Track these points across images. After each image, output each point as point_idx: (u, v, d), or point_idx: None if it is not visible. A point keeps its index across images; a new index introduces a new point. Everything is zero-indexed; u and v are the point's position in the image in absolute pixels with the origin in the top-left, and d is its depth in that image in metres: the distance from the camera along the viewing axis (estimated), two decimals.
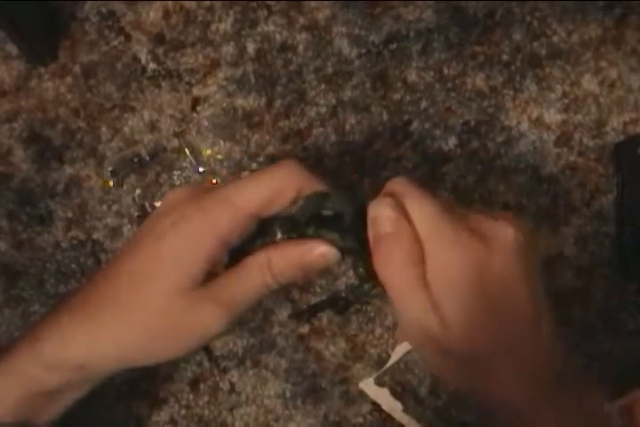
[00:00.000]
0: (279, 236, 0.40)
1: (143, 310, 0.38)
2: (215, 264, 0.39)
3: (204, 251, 0.38)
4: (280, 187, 0.39)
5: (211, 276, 0.39)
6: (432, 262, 0.39)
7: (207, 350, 0.58)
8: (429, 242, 0.39)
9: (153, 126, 0.61)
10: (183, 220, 0.38)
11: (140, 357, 0.39)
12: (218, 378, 0.58)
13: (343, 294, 0.44)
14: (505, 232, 0.39)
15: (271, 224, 0.40)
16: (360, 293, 0.43)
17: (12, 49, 0.62)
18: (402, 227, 0.39)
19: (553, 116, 0.60)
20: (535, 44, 0.61)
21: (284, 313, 0.58)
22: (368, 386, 0.56)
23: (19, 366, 0.39)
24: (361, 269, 0.42)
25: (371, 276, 0.41)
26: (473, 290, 0.38)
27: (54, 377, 0.39)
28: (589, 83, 0.60)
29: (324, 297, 0.47)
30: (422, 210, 0.39)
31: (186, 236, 0.38)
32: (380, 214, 0.40)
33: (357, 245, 0.40)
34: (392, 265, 0.39)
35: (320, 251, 0.39)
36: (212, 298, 0.38)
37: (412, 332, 0.40)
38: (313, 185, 0.39)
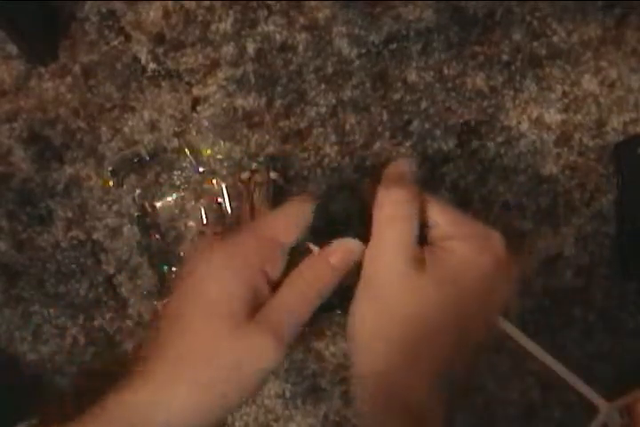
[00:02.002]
0: (312, 246, 0.42)
1: (200, 363, 0.37)
2: (258, 296, 0.39)
3: (245, 281, 0.38)
4: (294, 212, 0.41)
5: (257, 308, 0.39)
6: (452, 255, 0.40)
7: None
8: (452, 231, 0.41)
9: (153, 126, 0.61)
10: (225, 254, 0.39)
11: (214, 412, 0.38)
12: None
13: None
14: (499, 246, 0.41)
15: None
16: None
17: (12, 49, 0.62)
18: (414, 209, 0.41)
19: (553, 116, 0.60)
20: (535, 44, 0.61)
21: None
22: None
23: (115, 419, 0.37)
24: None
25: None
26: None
27: None
28: (589, 83, 0.60)
29: None
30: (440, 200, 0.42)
31: (228, 270, 0.39)
32: (396, 196, 0.41)
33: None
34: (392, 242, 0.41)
35: (344, 246, 0.41)
36: (258, 329, 0.37)
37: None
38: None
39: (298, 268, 0.40)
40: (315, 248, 0.43)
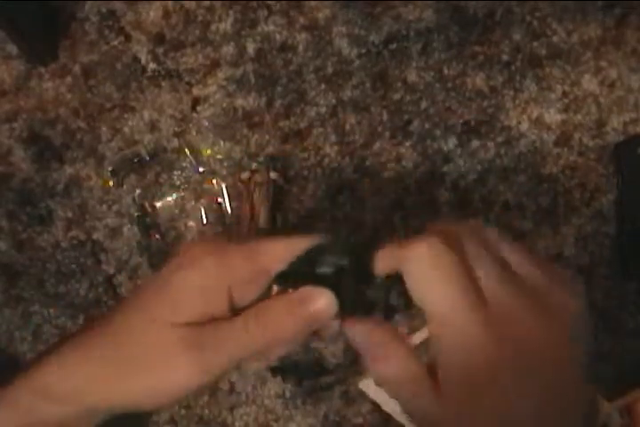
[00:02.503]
0: (275, 289, 0.37)
1: (135, 343, 0.37)
2: (214, 313, 0.36)
3: (202, 294, 0.36)
4: (296, 245, 0.36)
5: (201, 329, 0.36)
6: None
7: None
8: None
9: (153, 126, 0.61)
10: (196, 262, 0.37)
11: (127, 394, 0.37)
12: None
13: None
14: (566, 309, 0.33)
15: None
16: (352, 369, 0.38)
17: (12, 49, 0.62)
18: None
19: (553, 116, 0.60)
20: (535, 44, 0.61)
21: None
22: (368, 386, 0.56)
23: (18, 397, 0.38)
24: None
25: None
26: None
27: (53, 410, 0.37)
28: (589, 83, 0.60)
29: (304, 357, 0.42)
30: (489, 265, 0.33)
31: (192, 278, 0.36)
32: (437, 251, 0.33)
33: (359, 311, 0.35)
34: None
35: (314, 299, 0.35)
36: (195, 341, 0.36)
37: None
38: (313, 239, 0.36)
39: (258, 306, 0.36)
40: (275, 290, 0.37)
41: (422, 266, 0.33)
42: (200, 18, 0.62)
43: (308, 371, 0.39)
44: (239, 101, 0.61)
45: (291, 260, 0.35)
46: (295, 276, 0.36)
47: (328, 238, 0.36)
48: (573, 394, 0.33)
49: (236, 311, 0.37)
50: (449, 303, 0.33)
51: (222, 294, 0.36)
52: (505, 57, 0.61)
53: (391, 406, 0.56)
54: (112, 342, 0.37)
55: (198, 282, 0.36)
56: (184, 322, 0.36)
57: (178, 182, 0.60)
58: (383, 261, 0.35)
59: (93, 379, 0.38)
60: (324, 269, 0.35)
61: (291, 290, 0.36)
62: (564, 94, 0.60)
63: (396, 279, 0.34)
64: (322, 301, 0.35)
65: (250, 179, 0.58)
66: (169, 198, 0.60)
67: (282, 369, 0.39)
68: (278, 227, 0.59)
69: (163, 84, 0.61)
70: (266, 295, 0.37)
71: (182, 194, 0.60)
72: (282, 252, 0.36)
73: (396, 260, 0.34)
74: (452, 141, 0.60)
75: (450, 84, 0.61)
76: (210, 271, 0.36)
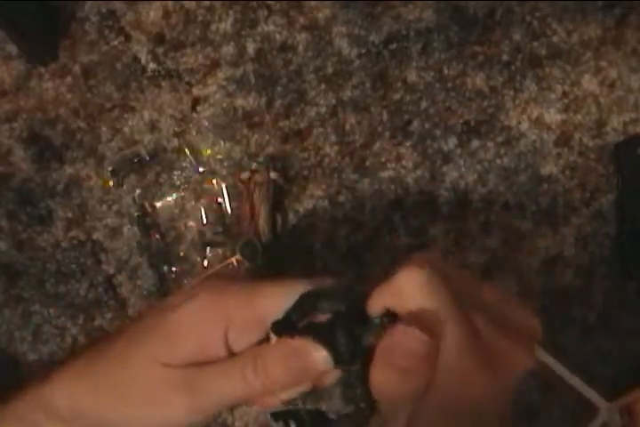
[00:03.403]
0: (273, 338, 0.37)
1: (124, 370, 0.38)
2: (210, 355, 0.37)
3: (199, 338, 0.37)
4: (295, 290, 0.36)
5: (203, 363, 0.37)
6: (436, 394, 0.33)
7: None
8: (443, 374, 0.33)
9: (153, 126, 0.61)
10: (198, 302, 0.37)
11: (112, 408, 0.38)
12: None
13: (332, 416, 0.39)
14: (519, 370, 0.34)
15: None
16: (359, 419, 0.38)
17: (12, 49, 0.62)
18: (433, 350, 0.33)
19: (553, 116, 0.60)
20: (535, 44, 0.61)
21: None
22: None
23: (24, 412, 0.39)
24: (359, 391, 0.36)
25: (369, 397, 0.35)
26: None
27: (51, 425, 0.39)
28: (589, 83, 0.60)
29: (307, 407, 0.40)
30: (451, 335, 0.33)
31: (190, 319, 0.37)
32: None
33: (356, 359, 0.35)
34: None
35: (309, 353, 0.35)
36: (185, 384, 0.36)
37: None
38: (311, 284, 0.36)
39: (254, 351, 0.37)
40: (274, 339, 0.37)
41: (417, 284, 0.34)
42: (200, 18, 0.62)
43: (309, 419, 0.39)
44: (239, 101, 0.61)
45: (287, 307, 0.35)
46: (291, 324, 0.36)
47: (325, 283, 0.36)
48: None
49: (232, 353, 0.37)
50: (450, 314, 0.33)
51: (219, 338, 0.37)
52: (505, 57, 0.61)
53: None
54: (111, 371, 0.38)
55: (195, 324, 0.37)
56: (180, 364, 0.37)
57: (178, 182, 0.60)
58: (376, 300, 0.35)
59: (93, 403, 0.38)
60: (320, 317, 0.35)
61: (289, 338, 0.36)
62: (564, 94, 0.60)
63: (392, 318, 0.35)
64: (317, 355, 0.35)
65: (250, 179, 0.58)
66: (169, 198, 0.60)
67: (283, 415, 0.39)
68: (279, 235, 0.59)
69: (163, 84, 0.61)
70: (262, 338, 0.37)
71: (182, 194, 0.60)
72: (281, 299, 0.36)
73: (388, 293, 0.35)
74: (452, 141, 0.60)
75: (450, 84, 0.61)
76: (207, 315, 0.37)
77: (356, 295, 0.36)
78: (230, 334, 0.37)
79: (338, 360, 0.35)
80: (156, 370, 0.37)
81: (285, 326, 0.36)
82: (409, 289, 0.34)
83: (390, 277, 0.34)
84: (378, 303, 0.35)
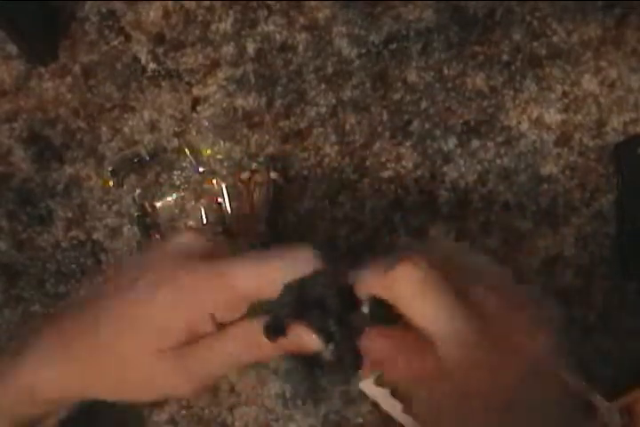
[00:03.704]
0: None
1: (118, 362, 0.38)
2: (200, 334, 0.37)
3: (187, 322, 0.37)
4: (282, 269, 0.35)
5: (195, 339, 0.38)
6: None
7: None
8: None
9: (153, 126, 0.61)
10: (175, 285, 0.37)
11: (106, 395, 0.39)
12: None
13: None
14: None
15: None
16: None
17: (12, 49, 0.62)
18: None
19: (553, 116, 0.60)
20: (535, 44, 0.61)
21: None
22: (368, 386, 0.56)
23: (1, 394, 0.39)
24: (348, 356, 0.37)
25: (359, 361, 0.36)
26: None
27: (34, 411, 0.40)
28: (589, 83, 0.60)
29: None
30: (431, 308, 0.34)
31: (173, 304, 0.37)
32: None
33: (343, 332, 0.36)
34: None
35: (301, 337, 0.36)
36: (182, 365, 0.37)
37: None
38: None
39: (244, 329, 0.37)
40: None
41: (412, 283, 0.34)
42: (200, 18, 0.62)
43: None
44: (239, 101, 0.61)
45: (270, 288, 0.35)
46: (280, 321, 0.36)
47: (304, 268, 0.35)
48: None
49: (220, 326, 0.37)
50: (447, 314, 0.34)
51: (206, 318, 0.37)
52: (505, 57, 0.61)
53: (391, 406, 0.56)
54: (104, 361, 0.38)
55: (179, 311, 0.37)
56: (173, 346, 0.37)
57: (178, 182, 0.60)
58: (367, 286, 0.35)
59: (80, 383, 0.39)
60: (311, 300, 0.35)
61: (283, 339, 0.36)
62: (564, 94, 0.60)
63: (379, 301, 0.35)
64: (308, 338, 0.36)
65: (250, 179, 0.58)
66: (169, 198, 0.60)
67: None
68: (279, 235, 0.59)
69: (163, 84, 0.61)
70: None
71: (182, 194, 0.60)
72: (263, 279, 0.36)
73: (381, 284, 0.35)
74: (451, 141, 0.60)
75: (450, 84, 0.61)
76: (190, 296, 0.37)
77: (340, 277, 0.36)
78: (216, 313, 0.37)
79: (328, 341, 0.36)
80: (152, 359, 0.37)
81: (276, 327, 0.36)
82: (400, 286, 0.34)
83: (385, 267, 0.34)
84: (367, 288, 0.35)
